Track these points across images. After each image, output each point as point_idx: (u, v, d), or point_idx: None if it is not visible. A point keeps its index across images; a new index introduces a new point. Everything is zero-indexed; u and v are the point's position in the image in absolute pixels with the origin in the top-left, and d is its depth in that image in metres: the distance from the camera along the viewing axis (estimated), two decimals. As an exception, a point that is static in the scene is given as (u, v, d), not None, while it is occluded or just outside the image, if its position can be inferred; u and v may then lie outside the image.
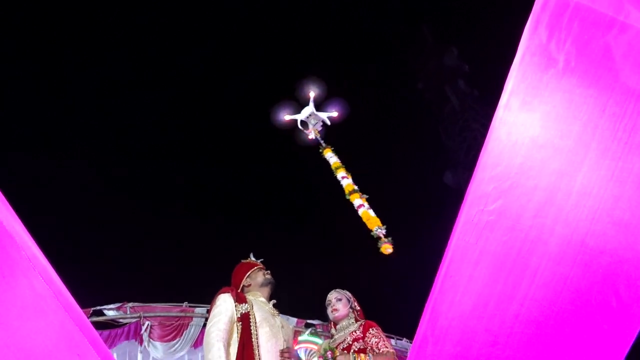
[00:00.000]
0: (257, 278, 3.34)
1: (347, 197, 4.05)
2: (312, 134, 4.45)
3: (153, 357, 6.18)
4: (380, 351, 3.37)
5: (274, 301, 3.33)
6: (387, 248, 3.75)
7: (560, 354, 1.96)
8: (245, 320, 2.94)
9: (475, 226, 1.92)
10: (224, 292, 3.08)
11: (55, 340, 1.89)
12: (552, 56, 1.84)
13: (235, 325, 2.93)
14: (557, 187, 1.84)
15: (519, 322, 1.96)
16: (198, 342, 6.31)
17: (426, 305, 2.02)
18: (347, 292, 3.78)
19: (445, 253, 2.01)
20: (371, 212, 3.83)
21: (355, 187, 4.06)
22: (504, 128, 1.88)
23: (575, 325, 1.92)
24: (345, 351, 3.37)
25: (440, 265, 2.02)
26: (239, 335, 2.89)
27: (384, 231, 3.76)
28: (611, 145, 1.82)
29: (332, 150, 4.28)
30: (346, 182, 4.08)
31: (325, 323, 7.36)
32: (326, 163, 4.33)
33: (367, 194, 4.07)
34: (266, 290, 3.30)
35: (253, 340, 2.90)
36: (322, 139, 4.41)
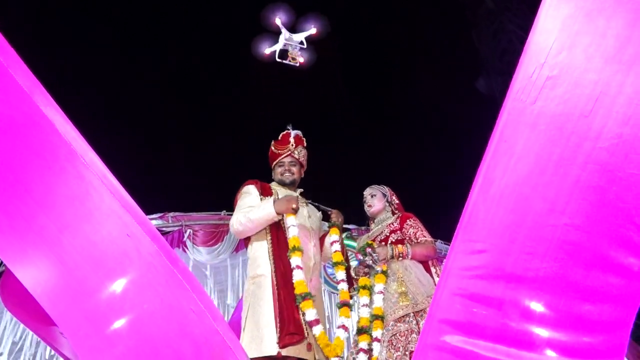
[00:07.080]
0: (275, 174, 3.19)
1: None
2: (298, 59, 3.71)
3: (198, 261, 6.49)
4: (419, 240, 3.34)
5: (301, 190, 3.21)
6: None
7: (621, 223, 1.84)
8: None
9: (534, 84, 1.74)
10: (248, 184, 3.03)
11: (103, 221, 1.90)
12: None
13: None
14: (631, 33, 1.62)
15: (579, 188, 1.83)
16: (239, 247, 6.59)
17: (477, 173, 1.91)
18: (384, 187, 3.72)
19: (498, 117, 1.86)
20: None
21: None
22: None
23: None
24: (383, 243, 3.36)
25: (493, 131, 1.88)
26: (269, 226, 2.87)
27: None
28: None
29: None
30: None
31: (361, 227, 7.46)
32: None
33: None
34: (287, 188, 3.13)
35: (284, 228, 2.84)
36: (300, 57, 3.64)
